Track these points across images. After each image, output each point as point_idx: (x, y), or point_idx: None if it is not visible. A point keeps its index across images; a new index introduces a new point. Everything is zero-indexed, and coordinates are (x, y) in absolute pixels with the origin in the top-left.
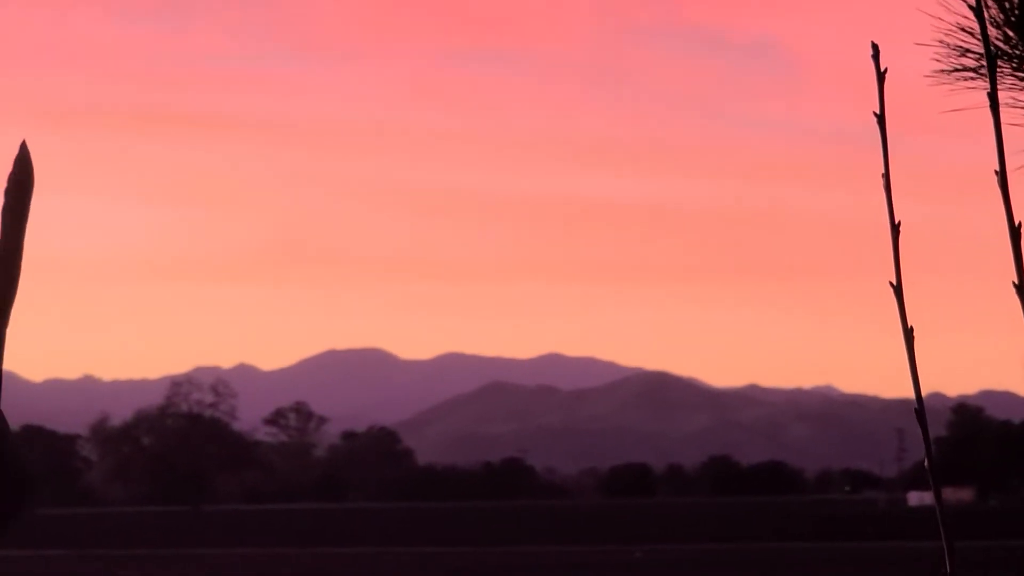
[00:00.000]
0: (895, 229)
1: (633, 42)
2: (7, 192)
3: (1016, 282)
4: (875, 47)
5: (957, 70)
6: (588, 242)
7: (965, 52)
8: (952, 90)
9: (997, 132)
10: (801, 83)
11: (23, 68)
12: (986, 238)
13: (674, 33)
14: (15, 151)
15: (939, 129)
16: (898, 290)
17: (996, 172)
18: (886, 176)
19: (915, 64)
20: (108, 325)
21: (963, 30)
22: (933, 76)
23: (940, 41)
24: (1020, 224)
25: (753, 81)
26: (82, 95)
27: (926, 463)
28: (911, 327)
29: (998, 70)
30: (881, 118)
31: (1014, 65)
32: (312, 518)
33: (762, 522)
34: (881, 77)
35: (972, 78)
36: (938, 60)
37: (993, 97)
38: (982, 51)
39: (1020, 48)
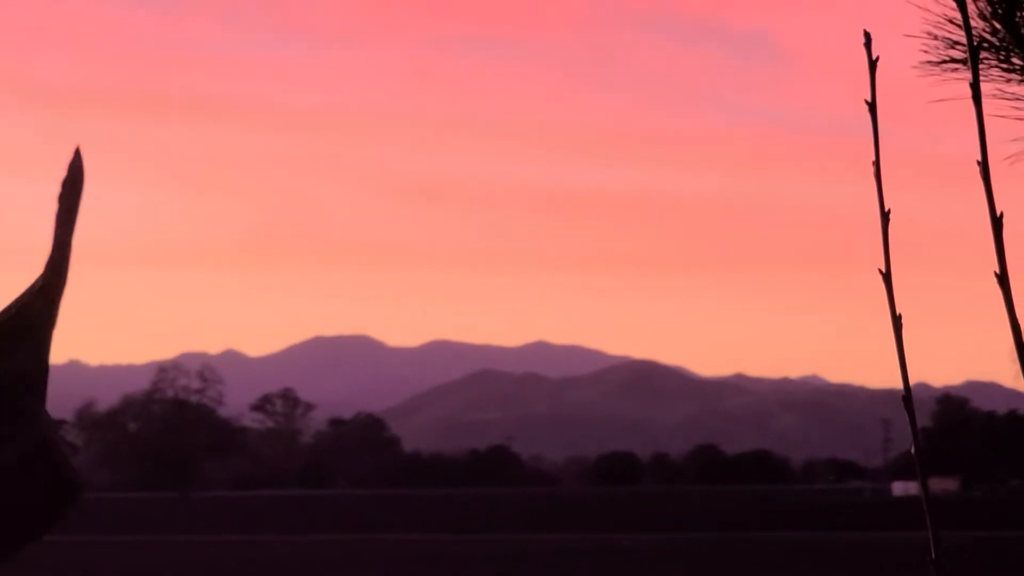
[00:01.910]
0: (885, 217)
1: (627, 31)
2: (61, 196)
3: (997, 272)
4: (867, 35)
5: (945, 62)
6: (576, 231)
7: (953, 44)
8: (940, 81)
9: (979, 123)
10: (793, 74)
11: (13, 50)
12: (971, 229)
13: (668, 23)
14: (9, 134)
15: (927, 121)
16: (887, 278)
17: (978, 163)
18: (876, 164)
19: (905, 56)
20: (94, 310)
21: (951, 22)
22: (921, 68)
23: (928, 33)
24: (1002, 215)
25: (746, 72)
26: (71, 79)
27: (912, 450)
28: (899, 315)
29: (985, 62)
30: (872, 106)
31: (1000, 57)
32: (298, 505)
33: (748, 511)
34: (873, 65)
35: (960, 70)
36: (926, 52)
37: (975, 87)
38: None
39: (1007, 40)
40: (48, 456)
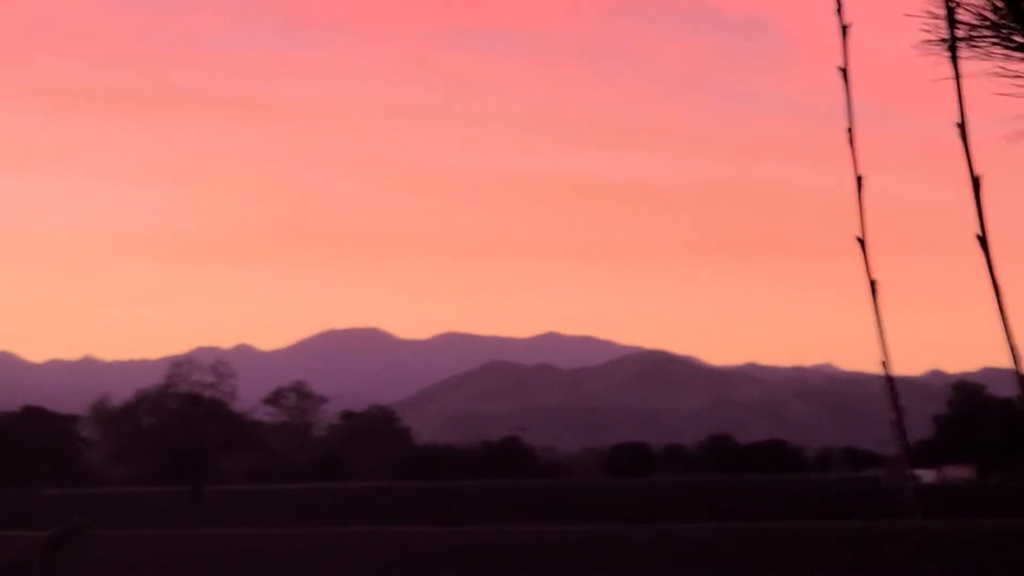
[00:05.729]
0: (858, 182)
1: (627, 20)
2: None
3: (979, 234)
4: (838, 1)
5: (945, 40)
6: (586, 221)
7: (955, 23)
8: (942, 60)
9: (957, 84)
10: (793, 59)
11: (19, 48)
12: (994, 216)
13: (668, 10)
14: (14, 130)
15: (933, 100)
16: (862, 243)
17: (958, 125)
18: (850, 131)
19: (907, 36)
20: (108, 306)
21: (949, 1)
22: (921, 47)
23: (928, 12)
24: (980, 176)
25: (746, 57)
26: (78, 75)
27: (896, 416)
28: (874, 280)
29: (986, 39)
30: (845, 73)
31: (1001, 35)
32: (311, 497)
33: (762, 500)
34: (844, 30)
35: (961, 48)
36: (928, 31)
37: (952, 47)
38: (971, 22)
39: (1007, 18)
40: None
